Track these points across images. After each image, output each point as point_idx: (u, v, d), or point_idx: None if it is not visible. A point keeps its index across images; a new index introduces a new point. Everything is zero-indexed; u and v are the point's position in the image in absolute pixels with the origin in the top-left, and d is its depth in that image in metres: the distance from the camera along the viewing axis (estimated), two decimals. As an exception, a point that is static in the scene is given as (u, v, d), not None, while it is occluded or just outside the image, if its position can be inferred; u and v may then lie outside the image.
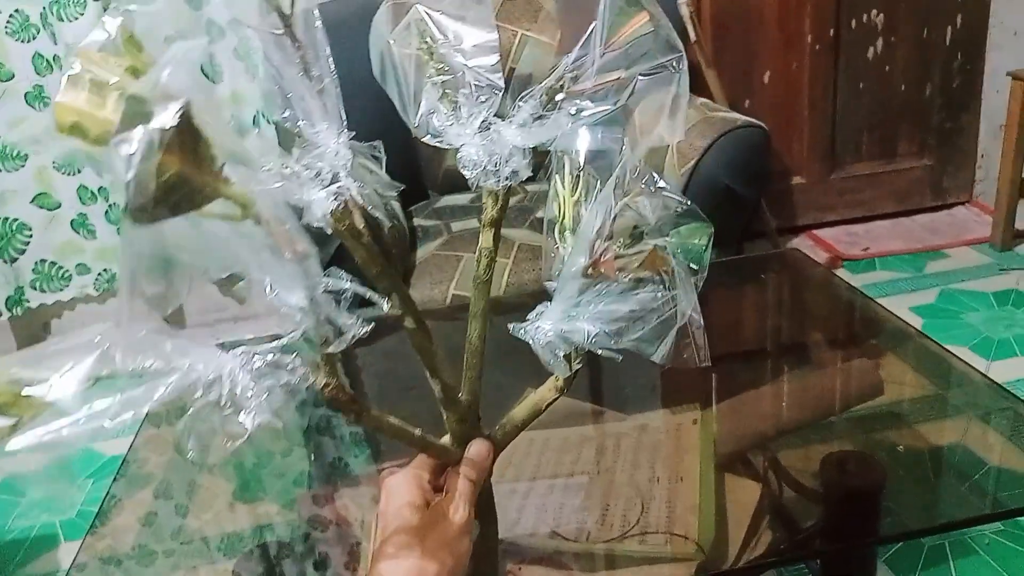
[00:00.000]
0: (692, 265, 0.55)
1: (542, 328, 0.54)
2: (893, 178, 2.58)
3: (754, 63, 2.41)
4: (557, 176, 0.59)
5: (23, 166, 2.16)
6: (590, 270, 0.54)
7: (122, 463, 1.10)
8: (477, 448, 0.57)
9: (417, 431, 0.56)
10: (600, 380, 1.16)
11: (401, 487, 0.54)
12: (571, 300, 0.54)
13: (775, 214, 2.37)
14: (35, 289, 2.27)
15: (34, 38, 2.07)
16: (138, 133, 0.38)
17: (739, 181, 1.55)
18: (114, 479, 1.07)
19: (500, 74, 0.50)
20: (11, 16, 2.04)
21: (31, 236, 2.22)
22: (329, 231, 0.48)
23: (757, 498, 0.92)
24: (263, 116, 2.18)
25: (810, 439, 1.06)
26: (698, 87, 2.17)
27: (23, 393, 0.39)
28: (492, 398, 0.60)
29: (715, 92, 2.22)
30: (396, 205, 1.71)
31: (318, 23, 0.46)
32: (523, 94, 0.52)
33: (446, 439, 0.59)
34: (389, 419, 0.54)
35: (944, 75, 2.49)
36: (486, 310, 0.56)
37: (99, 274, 2.30)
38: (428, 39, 0.52)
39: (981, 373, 1.09)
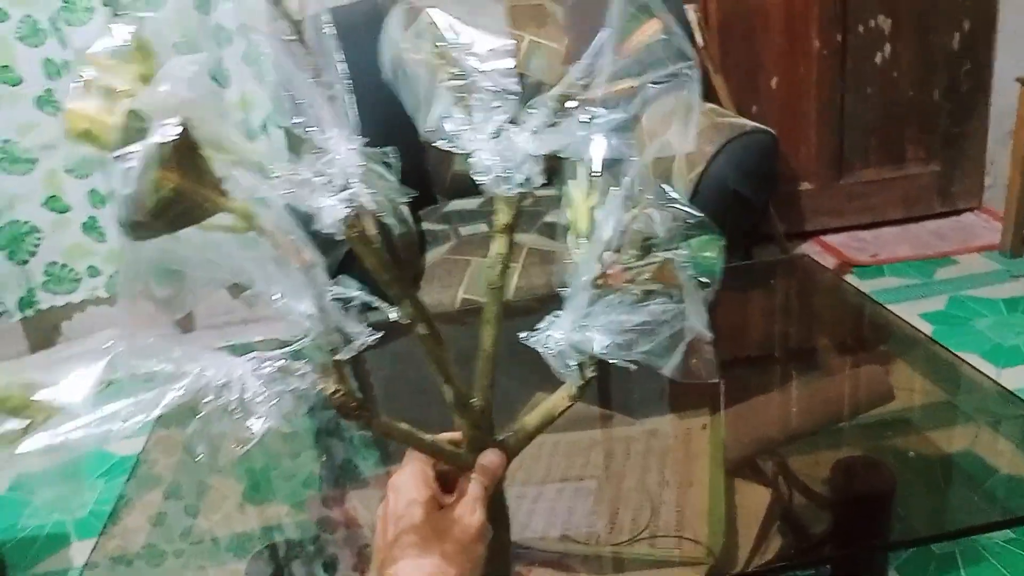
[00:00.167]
0: (703, 278, 0.54)
1: (553, 337, 0.54)
2: (901, 184, 2.57)
3: (761, 69, 2.41)
4: (571, 182, 0.58)
5: (33, 169, 2.17)
6: (599, 281, 0.54)
7: (134, 464, 1.11)
8: (491, 457, 0.57)
9: (428, 437, 0.56)
10: (610, 385, 1.16)
11: (409, 484, 0.54)
12: (582, 310, 0.54)
13: (783, 220, 2.37)
14: (46, 291, 2.28)
15: (43, 43, 2.08)
16: (136, 149, 0.38)
17: (748, 186, 1.55)
18: (126, 480, 1.07)
19: (515, 79, 0.50)
20: (21, 21, 2.05)
21: (41, 239, 2.23)
22: (340, 238, 0.48)
23: (767, 503, 0.92)
24: (271, 122, 2.19)
25: (820, 445, 1.06)
26: (705, 93, 2.17)
27: (34, 397, 0.40)
28: (501, 402, 0.59)
29: (723, 98, 2.22)
30: (405, 209, 1.72)
31: (328, 28, 0.46)
32: (534, 100, 0.52)
33: (456, 435, 0.58)
34: (399, 425, 0.54)
35: (952, 80, 2.48)
36: (500, 315, 0.56)
37: (110, 276, 2.31)
38: (441, 43, 0.52)
39: (992, 380, 1.09)
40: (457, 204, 1.94)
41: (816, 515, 0.96)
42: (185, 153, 0.40)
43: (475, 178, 0.52)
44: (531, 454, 1.02)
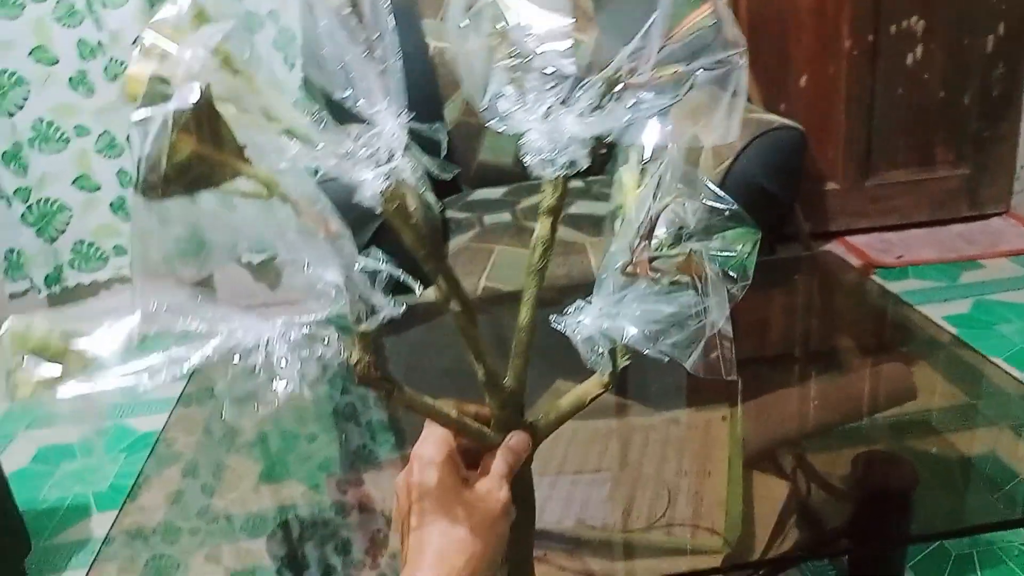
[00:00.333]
0: (732, 272, 0.53)
1: (582, 323, 0.54)
2: (929, 186, 2.55)
3: (790, 66, 2.39)
4: (623, 168, 0.58)
5: (65, 148, 2.20)
6: (628, 269, 0.54)
7: (155, 442, 1.12)
8: (518, 438, 0.57)
9: (453, 412, 0.56)
10: (631, 375, 1.16)
11: (433, 454, 0.54)
12: (611, 297, 0.53)
13: (807, 219, 2.35)
14: (73, 268, 2.31)
15: (79, 24, 2.11)
16: (154, 112, 0.39)
17: (774, 182, 1.54)
18: (147, 457, 1.09)
19: (572, 60, 0.50)
20: (57, 2, 2.08)
21: (71, 217, 2.26)
22: (378, 211, 0.48)
23: (785, 496, 0.92)
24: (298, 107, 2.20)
25: (840, 441, 1.06)
26: (734, 88, 2.16)
27: (71, 346, 0.41)
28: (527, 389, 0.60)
29: (751, 93, 2.21)
30: (431, 196, 1.72)
31: (384, 2, 0.46)
32: (582, 83, 0.51)
33: (481, 408, 0.58)
34: (423, 398, 0.54)
35: (984, 83, 2.46)
36: (536, 298, 0.56)
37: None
38: (500, 23, 0.52)
39: (1018, 381, 1.08)
40: (481, 193, 1.94)
41: (834, 509, 0.96)
42: (205, 118, 0.41)
43: (523, 159, 0.52)
44: (550, 441, 1.02)
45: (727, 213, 0.54)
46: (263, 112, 0.44)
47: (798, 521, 0.90)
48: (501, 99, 0.51)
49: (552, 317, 0.54)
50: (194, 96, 0.40)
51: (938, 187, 2.56)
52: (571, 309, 0.54)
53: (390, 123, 0.46)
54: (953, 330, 1.97)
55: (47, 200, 2.23)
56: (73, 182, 2.23)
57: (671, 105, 0.51)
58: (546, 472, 0.96)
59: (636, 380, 1.16)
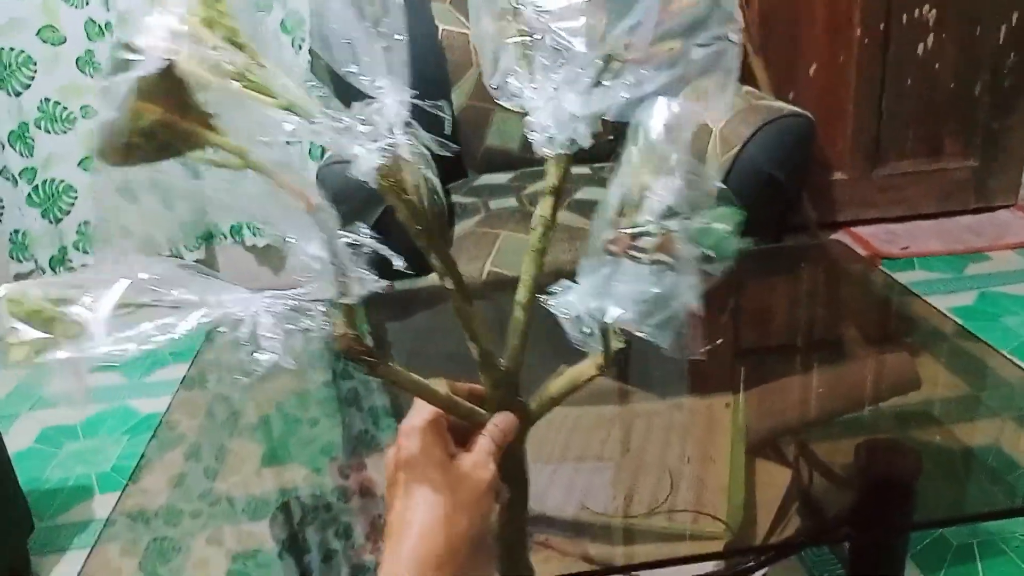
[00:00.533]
0: (712, 252, 0.52)
1: (569, 301, 0.53)
2: (937, 177, 2.54)
3: (800, 55, 2.38)
4: (632, 147, 0.57)
5: (71, 129, 2.20)
6: (607, 247, 0.52)
7: (157, 425, 1.12)
8: (506, 418, 0.57)
9: (443, 389, 0.55)
10: (634, 361, 1.16)
11: (420, 431, 0.53)
12: (598, 276, 0.52)
13: (814, 209, 2.34)
14: (77, 250, 2.31)
15: (87, 4, 2.10)
16: (115, 80, 0.39)
17: (782, 170, 1.53)
18: (149, 440, 1.09)
19: (583, 39, 0.49)
20: (65, -19, 2.07)
21: (76, 198, 2.26)
22: (374, 186, 0.47)
23: (787, 483, 0.92)
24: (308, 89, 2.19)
25: (843, 429, 1.05)
26: (743, 75, 2.15)
27: (63, 313, 0.41)
28: (524, 373, 0.59)
29: (761, 80, 2.20)
30: (436, 181, 1.72)
31: None
32: (581, 60, 0.51)
33: (472, 386, 0.58)
34: (410, 375, 0.53)
35: (995, 74, 2.44)
36: (537, 279, 0.55)
37: (139, 238, 2.33)
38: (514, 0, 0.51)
39: (1022, 370, 1.08)
40: (487, 178, 1.94)
41: (836, 497, 0.96)
42: (170, 87, 0.41)
43: (528, 137, 0.51)
44: (554, 427, 1.02)
45: (713, 192, 0.53)
46: (265, 86, 0.44)
47: (800, 508, 0.90)
48: (511, 77, 0.50)
49: (541, 297, 0.53)
50: (158, 64, 0.40)
51: (946, 178, 2.54)
52: (557, 288, 0.53)
53: (391, 99, 0.46)
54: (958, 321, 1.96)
55: (53, 181, 2.23)
56: (79, 163, 2.23)
57: (669, 82, 0.50)
58: (550, 458, 0.96)
59: (639, 366, 1.16)
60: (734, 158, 1.54)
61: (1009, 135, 2.52)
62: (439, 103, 0.49)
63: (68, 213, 2.27)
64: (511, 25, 0.50)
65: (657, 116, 0.51)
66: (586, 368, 0.58)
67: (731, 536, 0.84)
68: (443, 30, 1.98)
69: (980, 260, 2.32)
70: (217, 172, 0.45)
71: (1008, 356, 1.11)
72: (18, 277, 2.33)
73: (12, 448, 1.40)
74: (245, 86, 0.45)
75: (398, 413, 1.16)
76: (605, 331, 0.54)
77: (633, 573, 0.86)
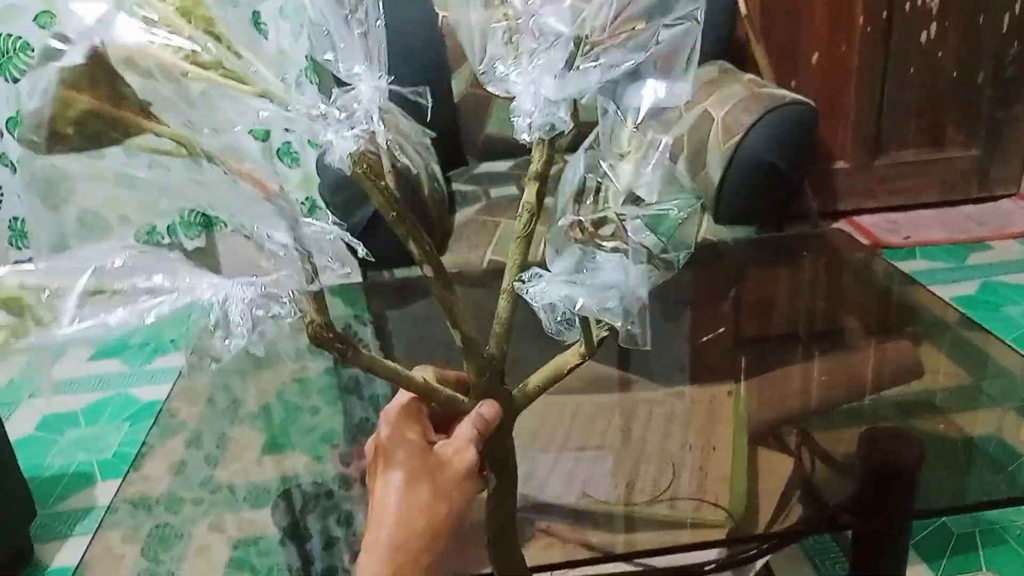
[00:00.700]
0: (665, 238, 0.50)
1: (542, 289, 0.51)
2: (939, 167, 2.53)
3: (802, 43, 2.37)
4: (622, 134, 0.56)
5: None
6: (566, 233, 0.51)
7: (158, 412, 1.12)
8: (488, 405, 0.56)
9: (422, 376, 0.55)
10: (636, 350, 1.16)
11: (401, 418, 0.53)
12: (570, 264, 0.51)
13: (815, 198, 2.34)
14: (76, 237, 2.31)
15: (85, -11, 2.09)
16: (41, 68, 0.39)
17: (784, 159, 1.53)
18: (150, 428, 1.09)
19: (569, 22, 0.49)
20: (63, -33, 2.06)
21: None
22: (347, 173, 0.47)
23: (789, 472, 0.92)
24: (307, 75, 2.19)
25: (846, 418, 1.05)
26: (746, 63, 2.14)
27: (37, 299, 0.41)
28: (515, 367, 0.59)
29: (763, 68, 2.18)
30: (437, 169, 1.71)
31: None
32: (553, 43, 0.50)
33: (454, 373, 0.57)
34: (384, 362, 0.53)
35: (998, 63, 2.43)
36: (522, 266, 0.54)
37: (139, 227, 2.33)
38: None
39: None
40: (488, 166, 1.93)
41: (838, 485, 0.96)
42: (100, 76, 0.41)
43: (513, 121, 0.51)
44: (554, 415, 1.02)
45: (671, 179, 0.52)
46: (241, 75, 0.43)
47: (802, 497, 0.90)
48: (498, 62, 0.50)
49: (514, 284, 0.52)
50: (85, 52, 0.40)
51: (948, 168, 2.54)
52: (529, 276, 0.52)
53: (368, 85, 0.45)
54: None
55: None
56: (78, 150, 2.23)
57: (638, 64, 0.49)
58: (552, 446, 0.96)
59: (641, 354, 1.16)
60: (736, 146, 1.53)
61: (1012, 124, 2.51)
62: (419, 89, 0.48)
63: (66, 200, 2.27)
64: (498, 8, 0.50)
65: (618, 98, 0.50)
66: (570, 357, 0.58)
67: (733, 524, 0.84)
68: (442, 17, 1.97)
69: (982, 249, 2.32)
70: (180, 162, 0.45)
71: (1010, 345, 1.11)
72: (17, 264, 2.33)
73: (14, 435, 1.40)
74: (222, 74, 0.45)
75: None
76: (585, 320, 0.54)
77: (635, 561, 0.86)
